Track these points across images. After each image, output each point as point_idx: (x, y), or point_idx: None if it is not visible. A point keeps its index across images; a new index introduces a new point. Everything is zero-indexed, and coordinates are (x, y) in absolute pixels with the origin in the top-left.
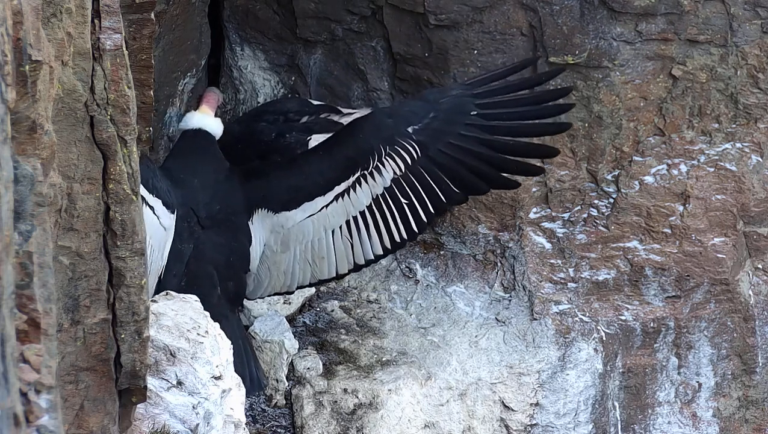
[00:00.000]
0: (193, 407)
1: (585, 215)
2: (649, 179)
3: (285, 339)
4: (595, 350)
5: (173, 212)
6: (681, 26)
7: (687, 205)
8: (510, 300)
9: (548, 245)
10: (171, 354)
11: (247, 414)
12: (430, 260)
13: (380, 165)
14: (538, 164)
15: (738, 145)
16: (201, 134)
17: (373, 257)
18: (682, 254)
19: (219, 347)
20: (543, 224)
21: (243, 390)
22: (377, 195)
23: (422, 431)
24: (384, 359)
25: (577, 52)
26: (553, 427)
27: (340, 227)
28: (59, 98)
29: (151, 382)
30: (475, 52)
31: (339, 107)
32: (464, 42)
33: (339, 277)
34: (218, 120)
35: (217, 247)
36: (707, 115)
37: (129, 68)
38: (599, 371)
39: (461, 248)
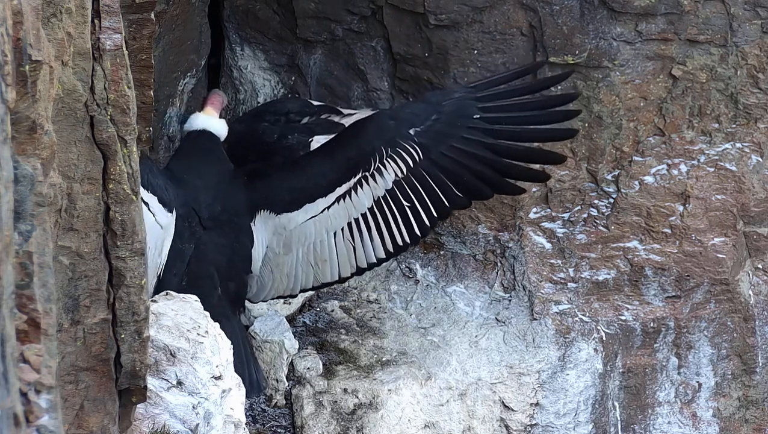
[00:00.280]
0: (193, 407)
1: (585, 215)
2: (649, 179)
3: (285, 339)
4: (595, 350)
5: (171, 211)
6: (681, 26)
7: (687, 205)
8: (510, 300)
9: (548, 245)
10: (171, 354)
11: (247, 414)
12: (430, 260)
13: (381, 167)
14: (542, 170)
15: (738, 145)
16: (205, 135)
17: (375, 261)
18: (682, 254)
19: (219, 347)
20: (543, 224)
21: (243, 390)
22: (379, 197)
23: (422, 431)
24: (384, 359)
25: (577, 52)
26: (553, 427)
27: (342, 229)
28: (59, 98)
29: (151, 382)
30: (475, 52)
31: (339, 108)
32: (464, 42)
33: (341, 280)
34: (223, 121)
35: (219, 248)
36: (707, 115)
37: (129, 68)
38: (599, 371)
39: (461, 248)
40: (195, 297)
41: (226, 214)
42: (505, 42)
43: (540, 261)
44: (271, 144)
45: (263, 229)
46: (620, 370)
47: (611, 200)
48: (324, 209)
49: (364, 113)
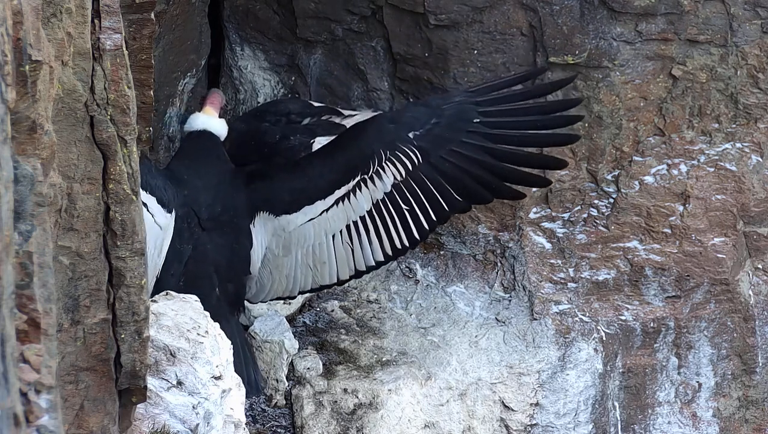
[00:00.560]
0: (193, 407)
1: (585, 215)
2: (649, 179)
3: (285, 339)
4: (595, 350)
5: (170, 211)
6: (681, 26)
7: (687, 205)
8: (510, 300)
9: (548, 245)
10: (171, 354)
11: (247, 414)
12: (430, 260)
13: (380, 170)
14: (543, 175)
15: (738, 145)
16: (205, 135)
17: (374, 263)
18: (682, 254)
19: (219, 347)
20: (543, 224)
21: (243, 390)
22: (377, 200)
23: (422, 431)
24: (384, 359)
25: (577, 52)
26: (553, 427)
27: (341, 232)
28: (59, 98)
29: (151, 382)
30: (475, 52)
31: (340, 109)
32: (464, 42)
33: (340, 283)
34: (222, 121)
35: (218, 248)
36: (707, 115)
37: (129, 68)
38: (599, 371)
39: (461, 248)
40: (195, 297)
41: (225, 215)
42: (505, 42)
43: (540, 261)
44: (272, 145)
45: (262, 230)
46: (620, 370)
47: (611, 200)
48: (323, 212)
49: (364, 115)
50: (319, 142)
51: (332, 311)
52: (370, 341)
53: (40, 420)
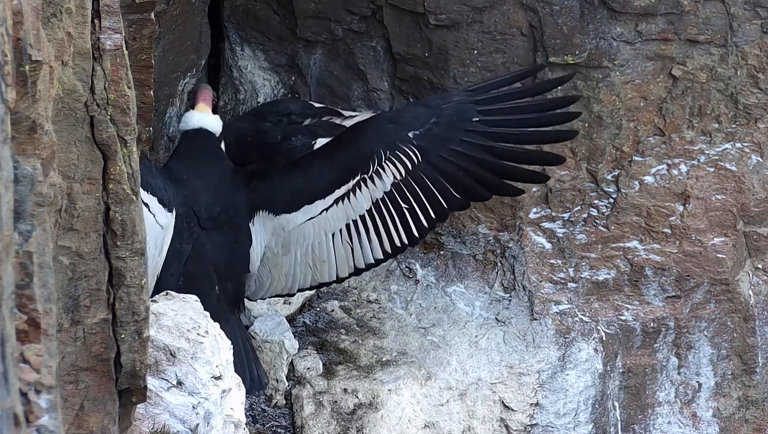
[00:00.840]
0: (193, 407)
1: (585, 215)
2: (649, 179)
3: (285, 339)
4: (595, 350)
5: (171, 211)
6: (681, 26)
7: (687, 205)
8: (510, 300)
9: (548, 245)
10: (171, 354)
11: (247, 414)
12: (430, 260)
13: (380, 169)
14: (541, 171)
15: (738, 145)
16: (202, 133)
17: (373, 261)
18: (682, 254)
19: (219, 347)
20: (543, 224)
21: (243, 390)
22: (377, 199)
23: (422, 431)
24: (384, 359)
25: (577, 52)
26: (553, 427)
27: (340, 231)
28: (59, 98)
29: (151, 382)
30: (475, 52)
31: (340, 110)
32: (464, 42)
33: (339, 281)
34: (217, 117)
35: (217, 247)
36: (707, 115)
37: (129, 68)
38: (599, 371)
39: (461, 248)
40: (195, 297)
41: (225, 214)
42: (505, 42)
43: (540, 261)
44: (274, 145)
45: (262, 229)
46: (620, 370)
47: (611, 200)
48: (323, 211)
49: (364, 115)
50: (320, 143)
51: (332, 311)
52: (370, 341)
53: (40, 420)
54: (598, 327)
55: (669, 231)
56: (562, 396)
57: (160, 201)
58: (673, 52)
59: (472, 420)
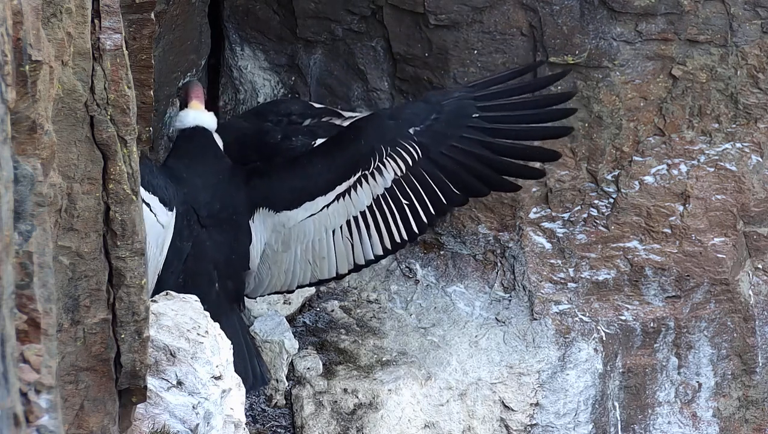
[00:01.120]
0: (193, 407)
1: (585, 215)
2: (649, 179)
3: (285, 339)
4: (595, 350)
5: (171, 210)
6: (681, 26)
7: (687, 205)
8: (510, 300)
9: (548, 245)
10: (171, 354)
11: (247, 414)
12: (430, 260)
13: (381, 166)
14: (539, 167)
15: (738, 145)
16: (199, 131)
17: (373, 258)
18: (682, 254)
19: (219, 347)
20: (543, 224)
21: (243, 390)
22: (378, 195)
23: (422, 431)
24: (384, 359)
25: (577, 52)
26: (553, 427)
27: (341, 227)
28: (59, 98)
29: (151, 382)
30: (475, 52)
31: (340, 111)
32: (464, 42)
33: (339, 277)
34: (211, 114)
35: (217, 245)
36: (707, 115)
37: (129, 68)
38: (599, 371)
39: (461, 248)
40: (195, 297)
41: (224, 212)
42: (505, 42)
43: (540, 261)
44: (274, 145)
45: (262, 226)
46: (620, 370)
47: (611, 200)
48: (323, 207)
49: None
50: None
51: (332, 311)
52: (370, 341)
53: (40, 420)
54: (598, 327)
55: (669, 231)
56: (562, 396)
57: (161, 200)
58: (673, 52)
59: (472, 420)
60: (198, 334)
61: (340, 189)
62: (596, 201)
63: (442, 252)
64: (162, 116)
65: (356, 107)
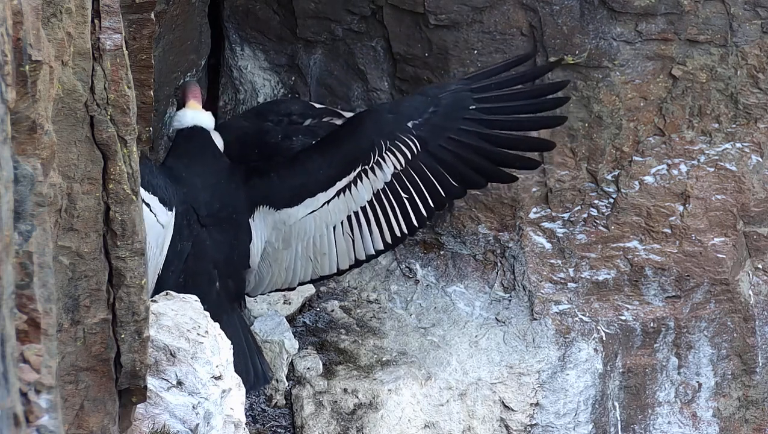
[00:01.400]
0: (193, 407)
1: (585, 215)
2: (649, 179)
3: (285, 339)
4: (595, 350)
5: (171, 210)
6: (681, 26)
7: (687, 205)
8: (510, 300)
9: (548, 245)
10: (171, 354)
11: (247, 414)
12: (430, 260)
13: (381, 160)
14: (535, 158)
15: (738, 145)
16: (197, 131)
17: (373, 252)
18: (682, 254)
19: (219, 347)
20: (543, 224)
21: (243, 390)
22: (378, 190)
23: (422, 431)
24: (384, 359)
25: (577, 52)
26: (553, 427)
27: (342, 223)
28: (59, 98)
29: (151, 382)
30: (475, 52)
31: (340, 111)
32: (464, 42)
33: (340, 273)
34: (209, 113)
35: (217, 244)
36: (707, 115)
37: (129, 68)
38: (599, 371)
39: (461, 248)
40: (195, 297)
41: (224, 211)
42: (505, 42)
43: (540, 261)
44: (274, 145)
45: (262, 224)
46: (620, 370)
47: (611, 200)
48: (324, 204)
49: None
50: None
51: (332, 311)
52: (370, 341)
53: (40, 420)
54: (598, 327)
55: (669, 231)
56: (562, 396)
57: (161, 200)
58: (673, 52)
59: (472, 420)
60: (198, 334)
61: (340, 185)
62: (596, 201)
63: (442, 252)
64: (162, 116)
65: (356, 107)
